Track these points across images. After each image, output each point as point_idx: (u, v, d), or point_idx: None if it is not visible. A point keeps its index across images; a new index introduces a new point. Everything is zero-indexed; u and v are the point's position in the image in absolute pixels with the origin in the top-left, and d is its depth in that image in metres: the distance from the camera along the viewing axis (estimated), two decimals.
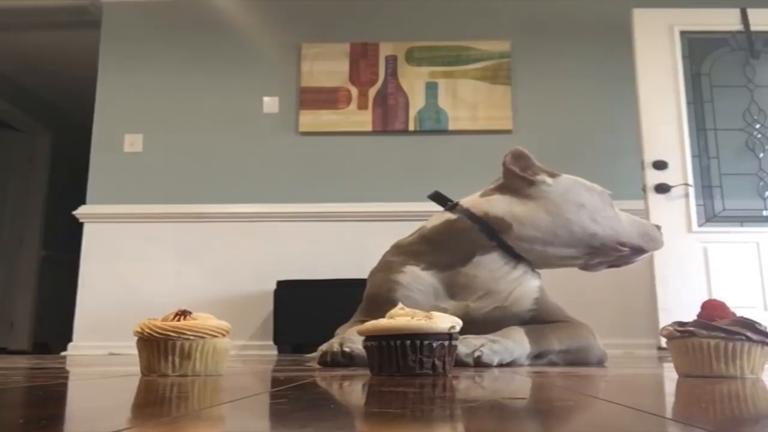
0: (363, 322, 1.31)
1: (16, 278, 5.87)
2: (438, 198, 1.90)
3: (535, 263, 1.81)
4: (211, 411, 0.59)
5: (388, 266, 1.80)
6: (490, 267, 1.74)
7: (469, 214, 1.78)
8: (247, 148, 4.16)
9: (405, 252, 1.81)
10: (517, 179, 1.79)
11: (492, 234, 1.75)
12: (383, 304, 1.59)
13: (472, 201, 1.83)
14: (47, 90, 5.88)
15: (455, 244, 1.76)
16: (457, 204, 1.83)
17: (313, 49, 4.23)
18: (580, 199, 1.79)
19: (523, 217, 1.76)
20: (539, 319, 1.71)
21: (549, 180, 1.80)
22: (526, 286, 1.75)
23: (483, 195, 1.84)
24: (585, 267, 1.88)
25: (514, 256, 1.77)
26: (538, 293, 1.76)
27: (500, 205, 1.78)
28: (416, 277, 1.74)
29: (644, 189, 3.62)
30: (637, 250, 1.84)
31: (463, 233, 1.76)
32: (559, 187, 1.80)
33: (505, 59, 4.17)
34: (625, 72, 3.90)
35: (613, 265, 1.87)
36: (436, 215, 1.85)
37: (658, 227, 1.89)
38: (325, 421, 0.52)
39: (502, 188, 1.82)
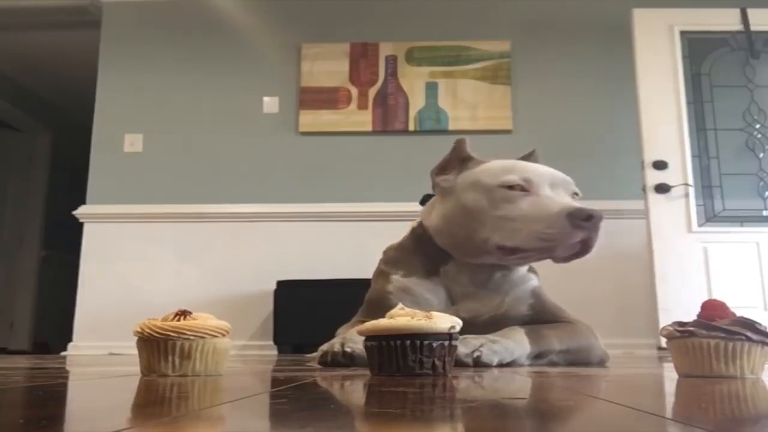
0: (363, 322, 1.31)
1: (16, 278, 5.87)
2: (426, 201, 1.88)
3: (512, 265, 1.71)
4: (211, 411, 0.59)
5: (380, 274, 1.81)
6: (460, 278, 1.71)
7: (420, 221, 1.78)
8: (247, 148, 4.16)
9: (391, 259, 1.81)
10: (433, 183, 1.75)
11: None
12: (380, 309, 1.60)
13: (425, 207, 1.81)
14: (47, 90, 5.88)
15: (422, 252, 1.75)
16: None
17: (313, 49, 4.23)
18: (466, 202, 1.64)
19: (435, 225, 1.71)
20: (539, 320, 1.69)
21: (451, 178, 1.70)
22: (523, 287, 1.74)
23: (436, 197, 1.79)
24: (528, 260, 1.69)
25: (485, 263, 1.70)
26: (535, 293, 1.74)
27: (427, 212, 1.76)
28: (403, 287, 1.72)
29: (644, 189, 3.62)
30: (537, 251, 1.57)
31: (422, 242, 1.75)
32: (455, 186, 1.68)
33: (505, 59, 4.17)
34: (625, 72, 3.90)
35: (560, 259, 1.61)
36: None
37: (585, 215, 1.50)
38: (325, 421, 0.52)
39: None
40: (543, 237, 1.52)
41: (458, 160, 1.73)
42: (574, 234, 1.50)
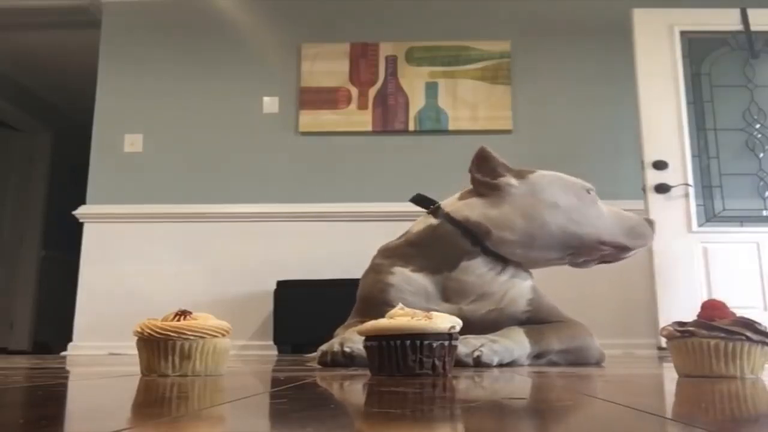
0: (361, 322, 1.31)
1: (16, 278, 5.87)
2: (421, 201, 1.88)
3: (522, 264, 1.79)
4: (211, 411, 0.59)
5: (377, 268, 1.79)
6: (478, 272, 1.72)
7: (449, 218, 1.76)
8: (247, 148, 4.16)
9: (392, 255, 1.80)
10: (482, 185, 1.77)
11: (475, 239, 1.73)
12: (377, 305, 1.60)
13: (452, 205, 1.80)
14: (47, 90, 5.88)
15: (441, 249, 1.74)
16: (438, 207, 1.81)
17: (313, 49, 4.23)
18: (554, 199, 1.75)
19: (499, 221, 1.73)
20: (535, 320, 1.70)
21: (513, 181, 1.76)
22: (519, 287, 1.74)
23: (461, 198, 1.81)
24: (573, 264, 1.85)
25: (500, 259, 1.75)
26: (531, 294, 1.75)
27: (478, 210, 1.75)
28: (406, 278, 1.72)
29: (644, 189, 3.62)
30: (622, 248, 1.79)
31: (447, 238, 1.74)
32: (528, 187, 1.76)
33: (505, 59, 4.17)
34: (625, 72, 3.90)
35: (603, 261, 1.85)
36: (420, 219, 1.84)
37: (650, 222, 1.84)
38: (325, 421, 0.52)
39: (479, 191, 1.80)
40: (640, 237, 1.80)
41: (501, 165, 1.79)
42: (645, 241, 1.82)
